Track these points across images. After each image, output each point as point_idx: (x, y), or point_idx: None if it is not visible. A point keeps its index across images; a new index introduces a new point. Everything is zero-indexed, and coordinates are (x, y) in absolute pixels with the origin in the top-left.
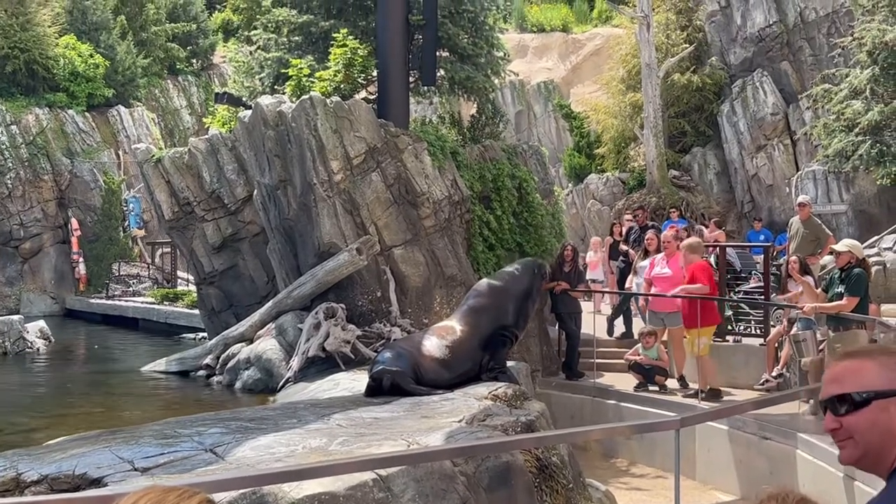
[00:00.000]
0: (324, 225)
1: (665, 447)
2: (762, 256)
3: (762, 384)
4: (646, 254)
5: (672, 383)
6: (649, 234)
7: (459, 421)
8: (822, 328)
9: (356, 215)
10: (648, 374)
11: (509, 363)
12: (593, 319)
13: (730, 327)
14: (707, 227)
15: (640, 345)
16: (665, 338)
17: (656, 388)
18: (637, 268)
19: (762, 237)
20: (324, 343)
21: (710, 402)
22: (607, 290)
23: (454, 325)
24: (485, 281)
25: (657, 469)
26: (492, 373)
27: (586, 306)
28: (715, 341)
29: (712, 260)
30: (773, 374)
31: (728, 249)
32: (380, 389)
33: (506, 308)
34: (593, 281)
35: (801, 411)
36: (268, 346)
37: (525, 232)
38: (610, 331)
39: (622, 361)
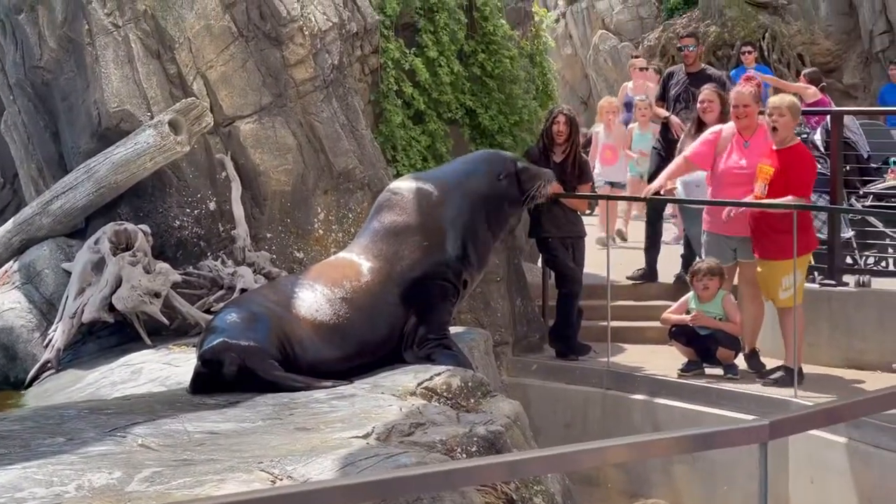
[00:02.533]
0: (108, 79)
1: (736, 476)
2: None
3: None
4: (699, 126)
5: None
6: (706, 90)
7: (365, 436)
8: None
9: (168, 61)
10: (705, 346)
11: (455, 330)
12: (607, 251)
13: (849, 260)
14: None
15: (690, 294)
16: (737, 280)
17: (719, 371)
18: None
19: None
20: (111, 297)
21: (815, 394)
22: (631, 195)
23: (353, 261)
24: (407, 181)
25: None
26: (423, 348)
27: (593, 227)
28: (818, 285)
29: (819, 139)
30: None
31: (846, 120)
32: (218, 380)
33: (443, 231)
34: (612, 185)
35: None
36: (6, 303)
37: (481, 90)
38: (648, 272)
39: (657, 325)
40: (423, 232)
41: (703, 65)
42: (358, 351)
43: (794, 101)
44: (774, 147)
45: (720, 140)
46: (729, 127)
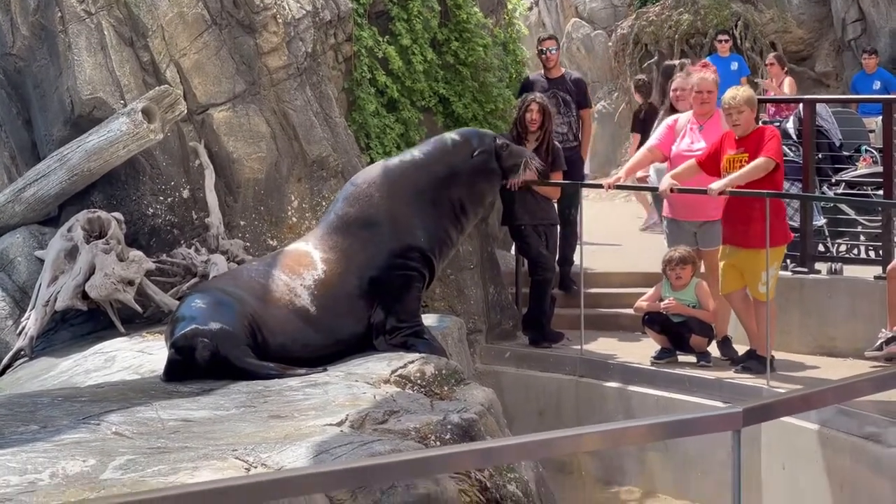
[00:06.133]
0: (81, 66)
1: (709, 463)
2: (879, 119)
3: (879, 349)
4: (672, 111)
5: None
6: (678, 78)
7: (339, 423)
8: None
9: (141, 48)
10: (678, 334)
11: (428, 318)
12: (580, 237)
13: (821, 247)
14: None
15: (663, 281)
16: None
17: (692, 358)
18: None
19: (878, 84)
20: (85, 285)
21: (787, 382)
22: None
23: (307, 252)
24: (369, 170)
25: (693, 502)
26: (395, 335)
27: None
28: (790, 272)
29: (791, 127)
30: None
31: (818, 108)
32: (191, 367)
33: (402, 219)
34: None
35: None
36: None
37: (454, 78)
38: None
39: (630, 312)
40: (378, 224)
41: (563, 69)
42: (324, 339)
43: (749, 94)
44: (737, 136)
45: (677, 126)
46: (686, 114)
